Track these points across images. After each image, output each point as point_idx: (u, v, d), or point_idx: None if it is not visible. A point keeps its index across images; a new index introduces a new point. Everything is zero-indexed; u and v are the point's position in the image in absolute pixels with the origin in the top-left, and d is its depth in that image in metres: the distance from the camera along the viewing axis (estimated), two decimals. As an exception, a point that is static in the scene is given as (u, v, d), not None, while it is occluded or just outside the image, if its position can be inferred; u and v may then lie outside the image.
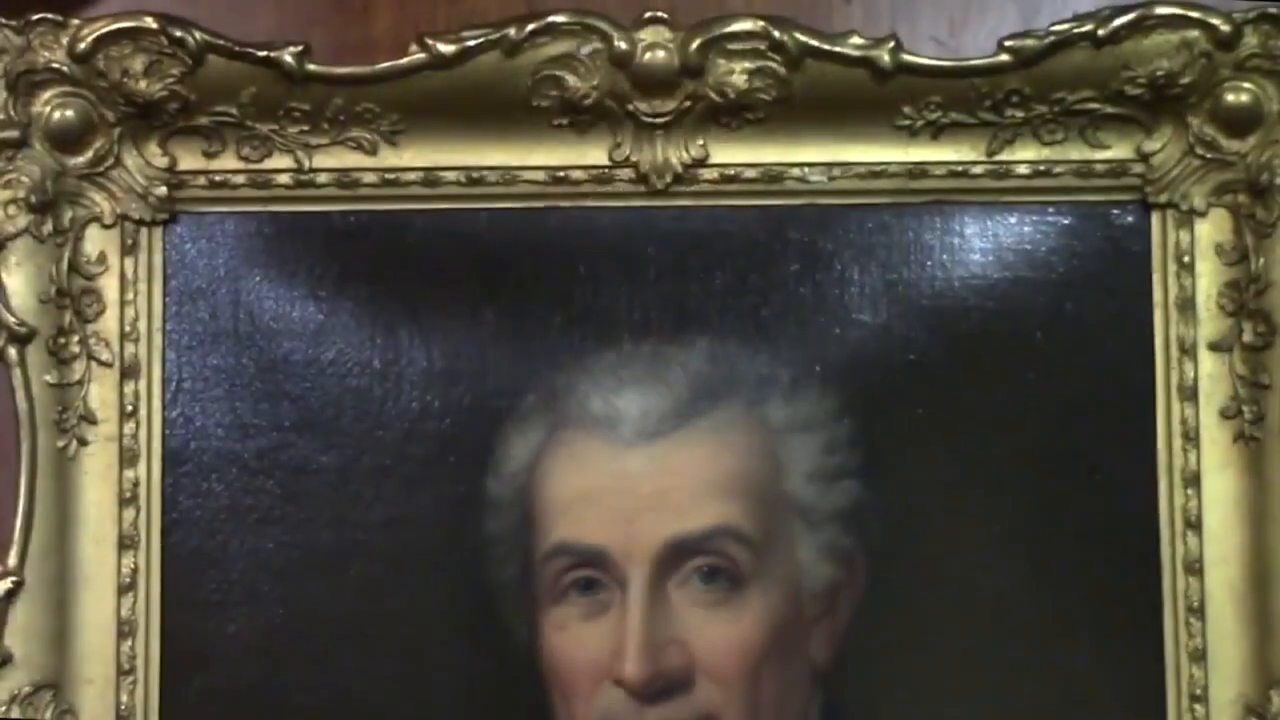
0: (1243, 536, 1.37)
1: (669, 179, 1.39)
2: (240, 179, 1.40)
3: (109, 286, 1.40)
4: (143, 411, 1.40)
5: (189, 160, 1.40)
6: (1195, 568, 1.37)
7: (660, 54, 1.34)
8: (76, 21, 1.36)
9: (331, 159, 1.40)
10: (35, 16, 1.35)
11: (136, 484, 1.39)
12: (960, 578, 1.38)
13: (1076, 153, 1.38)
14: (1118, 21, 1.32)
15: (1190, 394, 1.38)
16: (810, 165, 1.39)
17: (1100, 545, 1.38)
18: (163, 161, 1.39)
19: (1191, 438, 1.38)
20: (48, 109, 1.37)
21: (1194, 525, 1.37)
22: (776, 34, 1.33)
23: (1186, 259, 1.38)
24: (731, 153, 1.39)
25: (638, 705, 1.35)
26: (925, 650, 1.38)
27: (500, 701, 1.40)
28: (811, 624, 1.38)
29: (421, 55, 1.34)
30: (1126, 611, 1.38)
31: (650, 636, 1.35)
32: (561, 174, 1.39)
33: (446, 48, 1.34)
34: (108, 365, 1.39)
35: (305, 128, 1.38)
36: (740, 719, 1.37)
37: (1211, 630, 1.37)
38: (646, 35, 1.34)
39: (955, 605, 1.38)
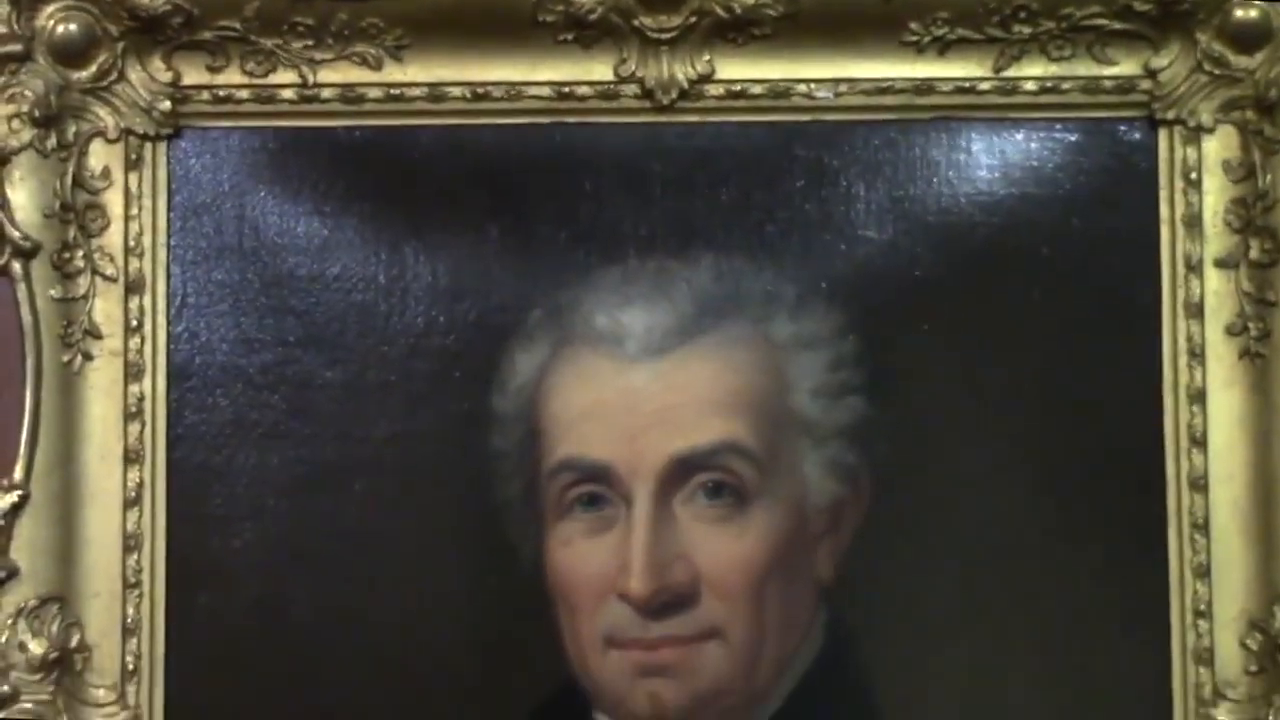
0: (1247, 453, 1.39)
1: (674, 95, 1.40)
2: (244, 94, 1.41)
3: (113, 201, 1.41)
4: (147, 326, 1.41)
5: (193, 75, 1.41)
6: (1200, 484, 1.39)
7: (666, -33, 1.36)
8: (80, -66, 1.37)
9: (336, 74, 1.41)
10: (38, -70, 1.36)
11: (141, 399, 1.41)
12: (965, 493, 1.40)
13: (1084, 69, 1.39)
14: (1127, -65, 1.33)
15: (1196, 311, 1.39)
16: (817, 81, 1.40)
17: (1105, 462, 1.40)
18: (167, 76, 1.41)
19: (1197, 355, 1.39)
20: (51, 23, 1.38)
21: (1199, 442, 1.39)
22: (783, -52, 1.35)
23: (1193, 175, 1.40)
24: (738, 69, 1.40)
25: (642, 619, 1.37)
26: (929, 566, 1.40)
27: (506, 616, 1.42)
28: (816, 540, 1.40)
29: (427, -31, 1.36)
30: (1131, 528, 1.40)
31: (655, 552, 1.37)
32: (567, 90, 1.41)
33: (452, -39, 1.35)
34: (112, 280, 1.41)
35: (309, 42, 1.40)
36: (744, 633, 1.38)
37: (1215, 546, 1.39)
38: (652, -51, 1.36)
39: (960, 521, 1.40)
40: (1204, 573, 1.39)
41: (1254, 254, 1.40)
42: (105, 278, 1.42)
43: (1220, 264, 1.40)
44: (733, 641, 1.39)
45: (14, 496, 1.40)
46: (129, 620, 1.41)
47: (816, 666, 1.41)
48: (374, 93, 1.42)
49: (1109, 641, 1.40)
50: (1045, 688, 1.40)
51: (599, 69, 1.41)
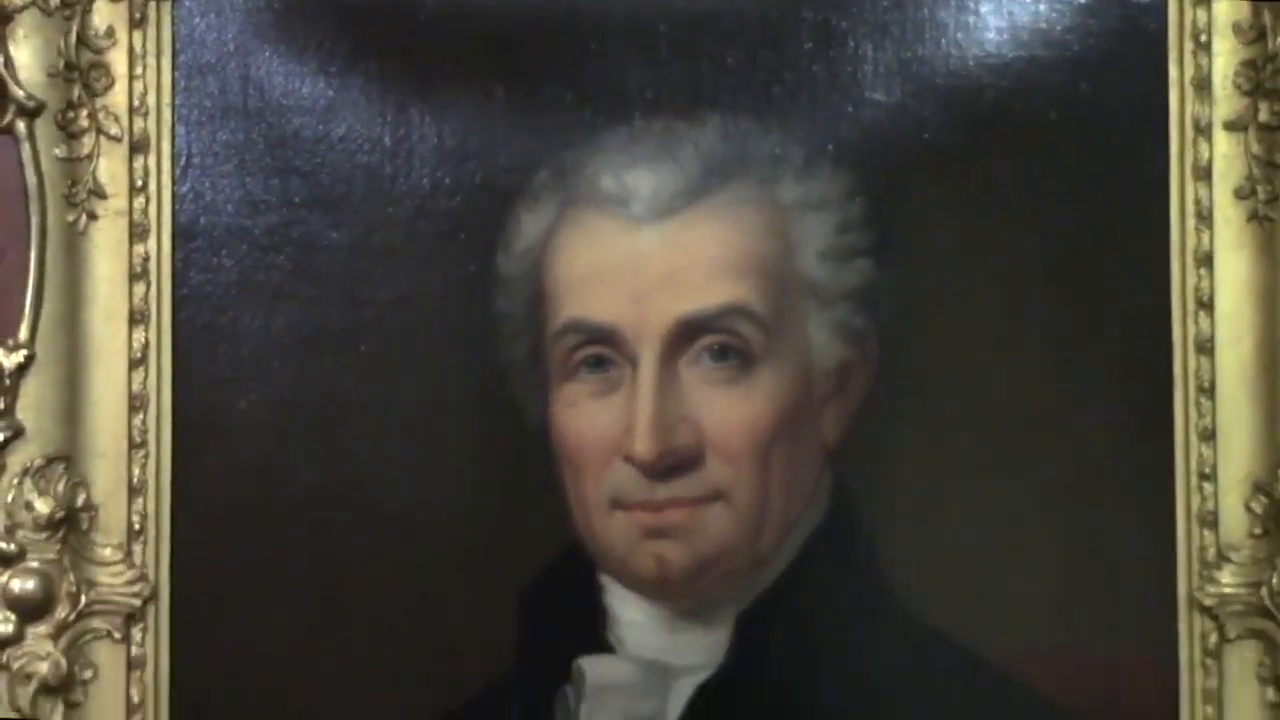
0: (1255, 316, 1.40)
1: (682, -44, 1.40)
2: (249, -48, 1.42)
3: (117, 61, 1.42)
4: (152, 186, 1.42)
5: (198, -69, 1.42)
6: (1206, 348, 1.40)
7: None
8: None
9: (341, -69, 1.41)
10: None
11: (147, 259, 1.42)
12: (972, 358, 1.41)
13: (1093, -71, 1.40)
14: None
15: (1205, 174, 1.40)
16: (825, -58, 1.40)
17: (1112, 325, 1.41)
18: (171, -68, 1.41)
19: (1205, 218, 1.40)
20: (54, -121, 1.39)
21: (1206, 306, 1.40)
22: None
23: (1203, 38, 1.40)
24: (745, -71, 1.41)
25: (648, 482, 1.38)
26: (935, 430, 1.41)
27: (511, 478, 1.43)
28: (822, 403, 1.41)
29: None
30: (1137, 391, 1.41)
31: (661, 414, 1.38)
32: (574, -50, 1.41)
33: None
34: (117, 140, 1.42)
35: (316, -101, 1.40)
36: (750, 496, 1.39)
37: (1221, 410, 1.40)
38: None
39: (966, 384, 1.41)
40: (1209, 436, 1.40)
41: (1263, 117, 1.40)
42: (110, 137, 1.42)
43: (1229, 127, 1.41)
44: (738, 504, 1.40)
45: (19, 356, 1.41)
46: (135, 480, 1.42)
47: (821, 529, 1.43)
48: (380, -49, 1.42)
49: (1114, 504, 1.41)
50: (1049, 550, 1.41)
51: (607, -71, 1.42)
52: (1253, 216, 1.40)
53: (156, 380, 1.42)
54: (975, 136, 1.42)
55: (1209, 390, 1.40)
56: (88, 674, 1.41)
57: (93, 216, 1.42)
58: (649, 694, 1.42)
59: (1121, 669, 1.41)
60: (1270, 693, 1.39)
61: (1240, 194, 1.40)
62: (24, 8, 1.41)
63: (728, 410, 1.39)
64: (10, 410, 1.41)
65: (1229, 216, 1.41)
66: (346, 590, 1.43)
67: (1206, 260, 1.41)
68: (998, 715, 1.41)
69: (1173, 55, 1.42)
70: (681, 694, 1.42)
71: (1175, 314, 1.41)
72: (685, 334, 1.39)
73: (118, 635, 1.42)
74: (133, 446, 1.42)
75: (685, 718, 1.42)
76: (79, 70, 1.41)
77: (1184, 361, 1.41)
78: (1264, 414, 1.40)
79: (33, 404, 1.41)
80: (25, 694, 1.40)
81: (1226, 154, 1.41)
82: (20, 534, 1.41)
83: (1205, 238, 1.41)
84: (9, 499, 1.41)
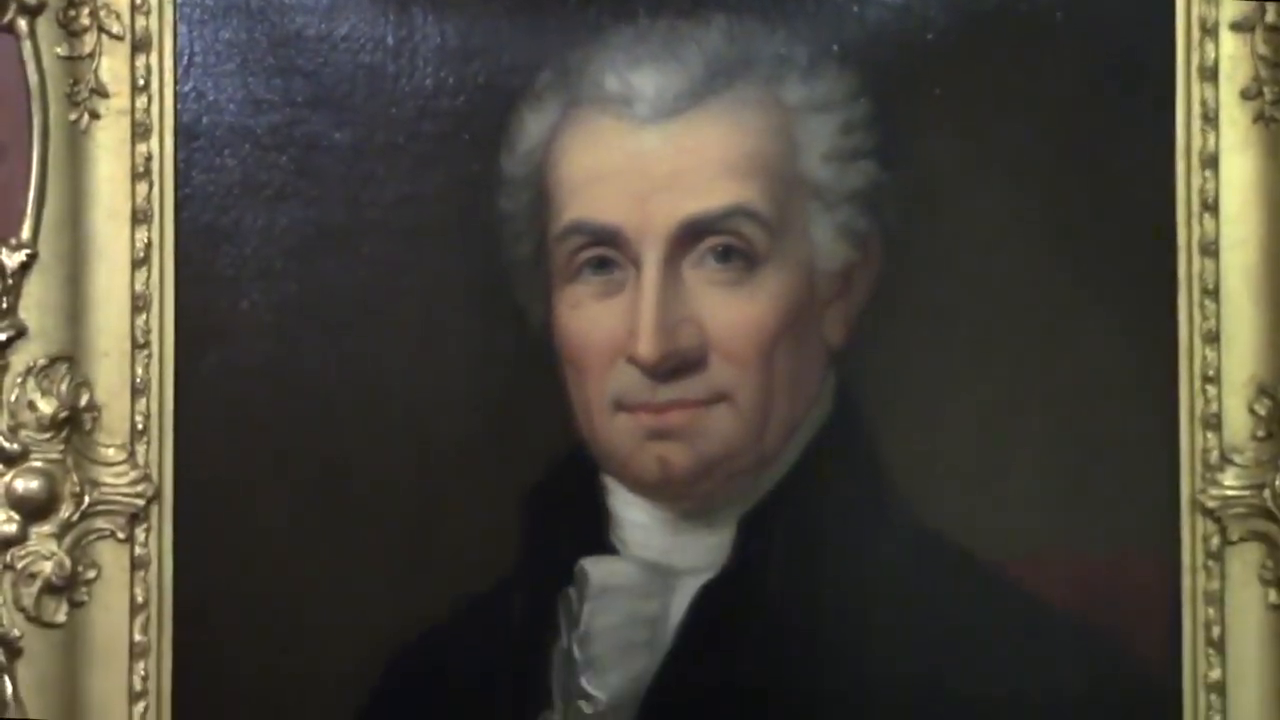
0: (1260, 218, 1.41)
1: None
2: None
3: (118, -43, 1.42)
4: (154, 85, 1.43)
5: None
6: (1211, 250, 1.41)
7: None
8: None
9: None
10: None
11: (149, 158, 1.43)
12: (975, 259, 1.42)
13: None
14: None
15: (1210, 75, 1.41)
16: None
17: (1116, 227, 1.41)
18: None
19: (1210, 119, 1.41)
20: None
21: (1211, 207, 1.41)
22: None
23: (1210, -63, 1.41)
24: None
25: (651, 383, 1.39)
26: (939, 331, 1.42)
27: (514, 380, 1.44)
28: (826, 305, 1.42)
29: None
30: (1141, 293, 1.42)
31: (664, 315, 1.39)
32: None
33: None
34: (119, 38, 1.42)
35: None
36: (753, 398, 1.40)
37: (1225, 312, 1.41)
38: None
39: (970, 286, 1.42)
40: (1213, 338, 1.41)
41: (1270, 18, 1.41)
42: (112, 35, 1.43)
43: (1236, 28, 1.42)
44: (741, 405, 1.41)
45: (22, 255, 1.42)
46: (138, 380, 1.43)
47: (825, 431, 1.44)
48: None
49: (1117, 406, 1.42)
50: (1051, 452, 1.42)
51: None
52: (1259, 118, 1.41)
53: (159, 280, 1.43)
54: (980, 37, 1.43)
55: (1213, 292, 1.41)
56: (91, 574, 1.43)
57: (95, 116, 1.43)
58: (652, 595, 1.43)
59: (1123, 571, 1.42)
60: (1272, 594, 1.40)
61: (1246, 95, 1.41)
62: (24, -95, 1.41)
63: (731, 312, 1.40)
64: (13, 310, 1.42)
65: (1234, 118, 1.41)
66: (350, 490, 1.44)
67: (1212, 162, 1.41)
68: (998, 616, 1.42)
69: (1179, -47, 1.42)
70: (684, 595, 1.44)
71: (1180, 216, 1.42)
72: (689, 235, 1.40)
73: (121, 535, 1.43)
74: (135, 346, 1.43)
75: (688, 619, 1.43)
76: (80, -33, 1.42)
77: (1188, 264, 1.42)
78: (1268, 316, 1.41)
79: (35, 304, 1.42)
80: (29, 594, 1.41)
81: (1233, 55, 1.41)
82: (23, 434, 1.42)
83: (1210, 139, 1.41)
84: (12, 399, 1.42)
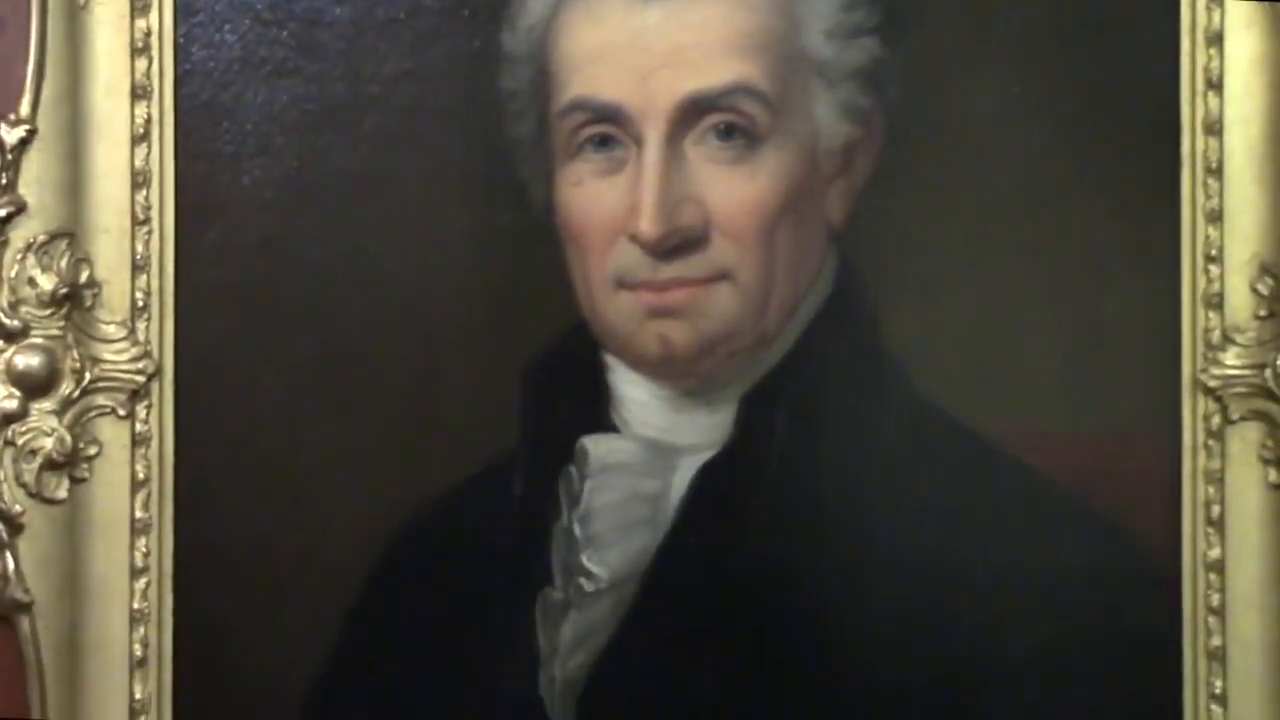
0: (1265, 96, 1.43)
1: None
2: None
3: None
4: (153, -42, 1.44)
5: None
6: (1215, 128, 1.43)
7: None
8: None
9: None
10: None
11: (148, 33, 1.44)
12: (978, 137, 1.44)
13: None
14: None
15: (1215, -50, 1.42)
16: None
17: (1120, 105, 1.43)
18: None
19: (1215, -5, 1.42)
20: None
21: (1215, 85, 1.43)
22: None
23: None
24: None
25: (653, 261, 1.41)
26: (942, 209, 1.44)
27: (515, 258, 1.46)
28: (828, 182, 1.44)
29: None
30: (1145, 171, 1.43)
31: (666, 193, 1.40)
32: None
33: None
34: (118, -90, 1.43)
35: None
36: (755, 276, 1.42)
37: (1229, 190, 1.42)
38: None
39: (973, 164, 1.44)
40: (1216, 217, 1.43)
41: (1276, -106, 1.42)
42: (111, -93, 1.44)
43: (1241, -96, 1.42)
44: (742, 283, 1.43)
45: (21, 131, 1.43)
46: (138, 256, 1.45)
47: (826, 310, 1.46)
48: None
49: (1119, 285, 1.44)
50: (1053, 330, 1.44)
51: None
52: (1264, -5, 1.42)
53: (159, 156, 1.45)
54: (984, -88, 1.43)
55: (1216, 171, 1.43)
56: (92, 450, 1.45)
57: (93, -11, 1.44)
58: (652, 473, 1.45)
59: (1124, 449, 1.44)
60: (1272, 474, 1.42)
61: (1251, -29, 1.42)
62: None
63: (733, 189, 1.42)
64: (12, 185, 1.43)
65: (1239, -6, 1.42)
66: (350, 366, 1.46)
67: (1216, 39, 1.43)
68: (999, 493, 1.44)
69: None
70: (685, 474, 1.46)
71: (1184, 94, 1.43)
72: (691, 112, 1.41)
73: (122, 412, 1.45)
74: (135, 223, 1.45)
75: (689, 497, 1.45)
76: None
77: (1192, 141, 1.43)
78: (1271, 195, 1.42)
79: (35, 179, 1.44)
80: (30, 470, 1.44)
81: (1237, -69, 1.42)
82: (24, 310, 1.44)
83: (1216, 16, 1.43)
84: (12, 274, 1.44)
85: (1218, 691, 1.42)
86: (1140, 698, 1.43)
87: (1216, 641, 1.42)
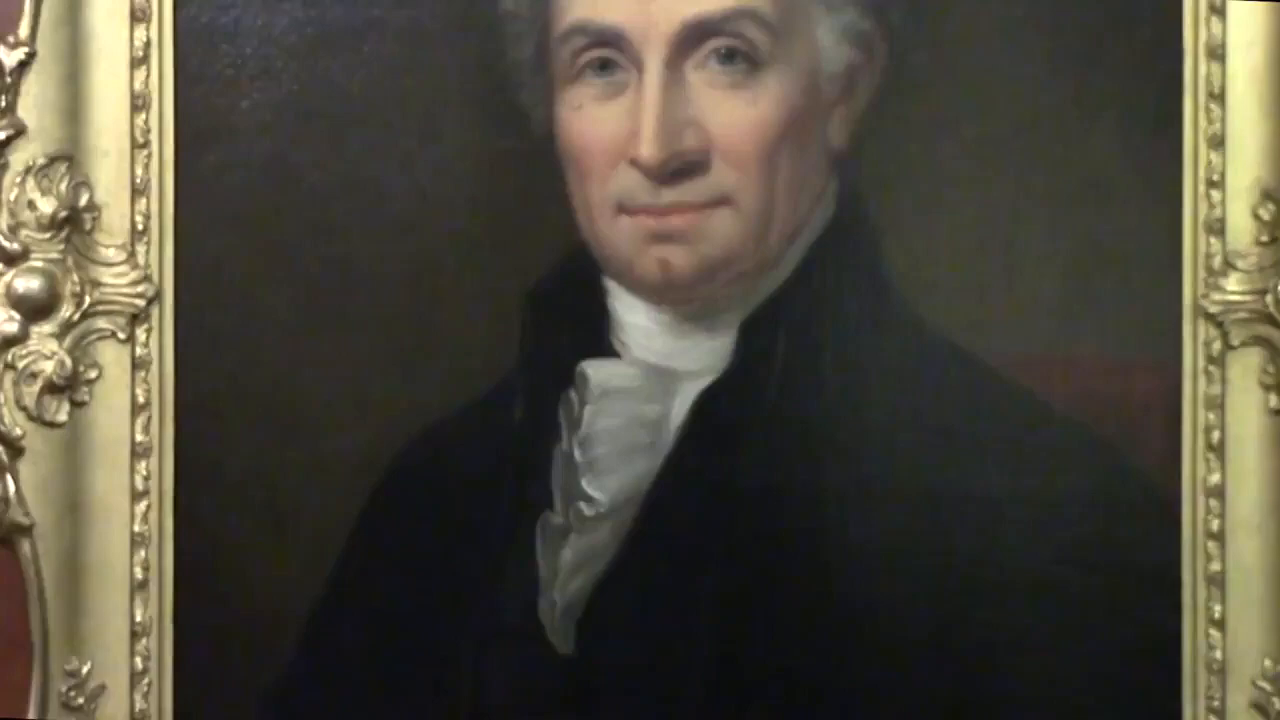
0: (1267, 22, 1.45)
1: None
2: None
3: None
4: (152, -122, 1.44)
5: None
6: (1218, 53, 1.45)
7: None
8: None
9: None
10: None
11: (148, -45, 1.44)
12: (980, 61, 1.45)
13: None
14: None
15: (1218, -105, 1.42)
16: None
17: (1123, 28, 1.43)
18: None
19: (1219, -81, 1.42)
20: None
21: (1218, 10, 1.45)
22: None
23: None
24: None
25: (653, 186, 1.42)
26: (943, 135, 1.44)
27: (515, 182, 1.47)
28: (829, 107, 1.44)
29: None
30: (1147, 95, 1.43)
31: (667, 117, 1.41)
32: None
33: None
34: None
35: None
36: (756, 201, 1.43)
37: (1231, 116, 1.44)
38: None
39: (975, 88, 1.44)
40: (1218, 143, 1.43)
41: None
42: None
43: None
44: (743, 208, 1.43)
45: (20, 54, 1.44)
46: (138, 180, 1.46)
47: (827, 234, 1.47)
48: None
49: (1120, 210, 1.44)
50: (1055, 255, 1.45)
51: None
52: (1268, -83, 1.42)
53: (159, 79, 1.46)
54: None
55: (1219, 96, 1.43)
56: (93, 374, 1.46)
57: (93, -91, 1.44)
58: (652, 398, 1.46)
59: (1124, 374, 1.45)
60: (1272, 399, 1.43)
61: (1254, -86, 1.42)
62: None
63: (734, 114, 1.43)
64: (12, 108, 1.44)
65: (1242, -60, 1.43)
66: (351, 290, 1.47)
67: (1221, -30, 1.43)
68: (999, 418, 1.45)
69: None
70: (685, 398, 1.47)
71: (1187, 18, 1.44)
72: (692, 37, 1.42)
73: (122, 335, 1.46)
74: (135, 146, 1.45)
75: (689, 422, 1.46)
76: None
77: (1194, 66, 1.43)
78: (1274, 120, 1.43)
79: (34, 102, 1.44)
80: (30, 393, 1.44)
81: None
82: (23, 233, 1.44)
83: (1219, -60, 1.43)
84: (12, 198, 1.44)
85: (1217, 616, 1.43)
86: (1139, 622, 1.44)
87: (1216, 566, 1.43)
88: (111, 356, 1.46)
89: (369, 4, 1.46)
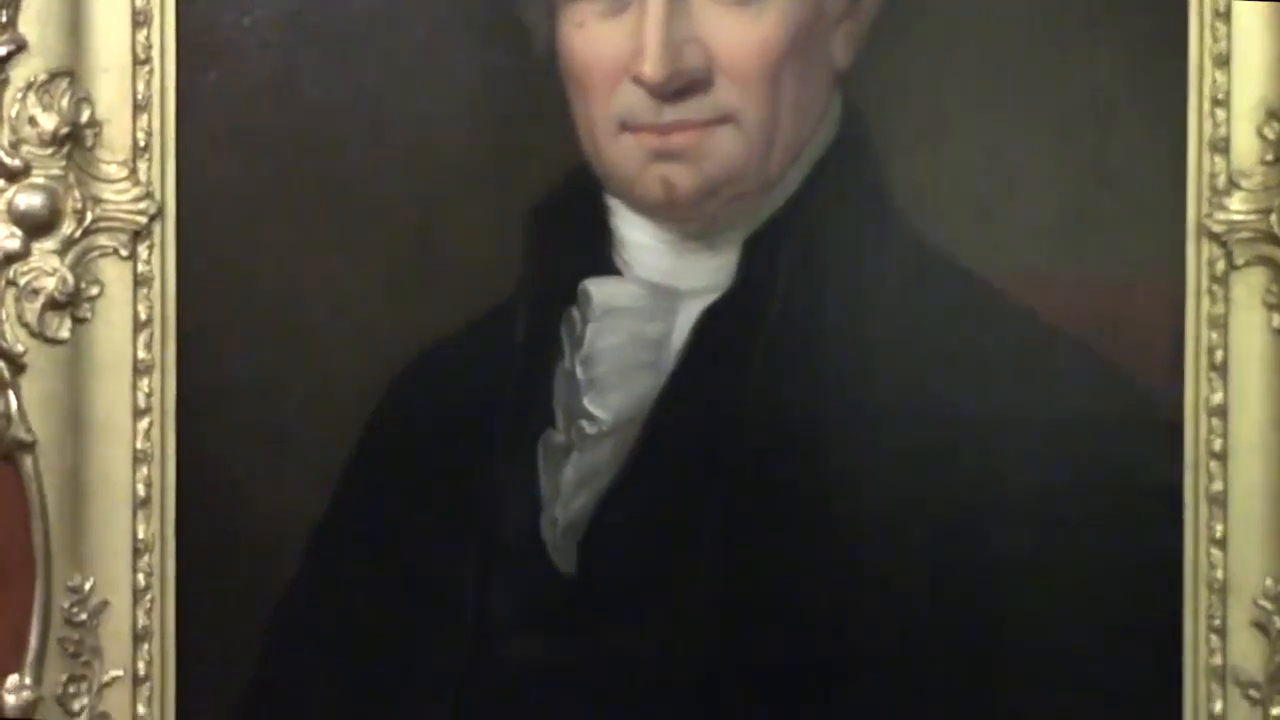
0: (1272, -45, 1.42)
1: None
2: None
3: None
4: None
5: None
6: (1222, -5, 1.43)
7: None
8: None
9: None
10: None
11: (139, -92, 1.45)
12: (984, -7, 1.44)
13: None
14: None
15: None
16: None
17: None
18: None
19: (1224, -121, 1.42)
20: None
21: (1221, -81, 1.43)
22: None
23: None
24: None
25: (656, 103, 1.42)
26: (947, 52, 1.46)
27: (518, 99, 1.47)
28: (833, 25, 1.45)
29: None
30: (1152, 14, 1.45)
31: (669, 35, 1.41)
32: None
33: None
34: None
35: None
36: (759, 119, 1.43)
37: (1236, 34, 1.44)
38: None
39: (979, 7, 1.46)
40: (1223, 61, 1.44)
41: None
42: None
43: None
44: (746, 126, 1.44)
45: (19, -40, 1.44)
46: (139, 96, 1.46)
47: (831, 153, 1.47)
48: None
49: (1125, 129, 1.45)
50: (1059, 174, 1.46)
51: None
52: None
53: (160, -1, 1.45)
54: None
55: (1224, 14, 1.43)
56: (94, 290, 1.46)
57: None
58: (655, 317, 1.47)
59: (1127, 294, 1.46)
60: (1275, 319, 1.44)
61: None
62: None
63: (737, 31, 1.43)
64: (12, 23, 1.44)
65: None
66: (353, 207, 1.47)
67: (1225, -86, 1.43)
68: (1002, 338, 1.45)
69: None
70: (687, 317, 1.47)
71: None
72: (696, -48, 1.42)
73: (124, 252, 1.46)
74: (137, 62, 1.46)
75: (691, 341, 1.47)
76: None
77: (1199, -4, 1.43)
78: (1279, 38, 1.42)
79: (35, 17, 1.45)
80: (32, 309, 1.45)
81: None
82: (24, 149, 1.45)
83: None
84: (13, 113, 1.45)
85: (1218, 536, 1.44)
86: (1141, 542, 1.45)
87: (1218, 486, 1.44)
88: (113, 273, 1.47)
89: (371, -80, 1.46)
